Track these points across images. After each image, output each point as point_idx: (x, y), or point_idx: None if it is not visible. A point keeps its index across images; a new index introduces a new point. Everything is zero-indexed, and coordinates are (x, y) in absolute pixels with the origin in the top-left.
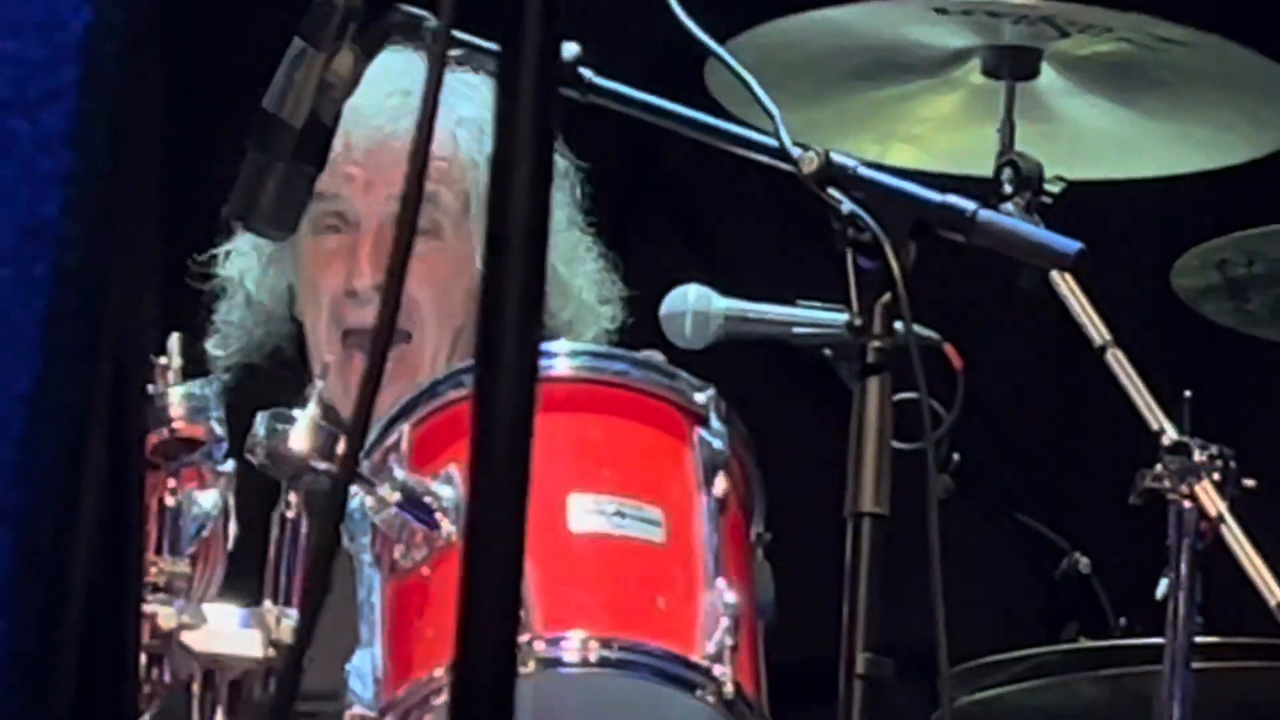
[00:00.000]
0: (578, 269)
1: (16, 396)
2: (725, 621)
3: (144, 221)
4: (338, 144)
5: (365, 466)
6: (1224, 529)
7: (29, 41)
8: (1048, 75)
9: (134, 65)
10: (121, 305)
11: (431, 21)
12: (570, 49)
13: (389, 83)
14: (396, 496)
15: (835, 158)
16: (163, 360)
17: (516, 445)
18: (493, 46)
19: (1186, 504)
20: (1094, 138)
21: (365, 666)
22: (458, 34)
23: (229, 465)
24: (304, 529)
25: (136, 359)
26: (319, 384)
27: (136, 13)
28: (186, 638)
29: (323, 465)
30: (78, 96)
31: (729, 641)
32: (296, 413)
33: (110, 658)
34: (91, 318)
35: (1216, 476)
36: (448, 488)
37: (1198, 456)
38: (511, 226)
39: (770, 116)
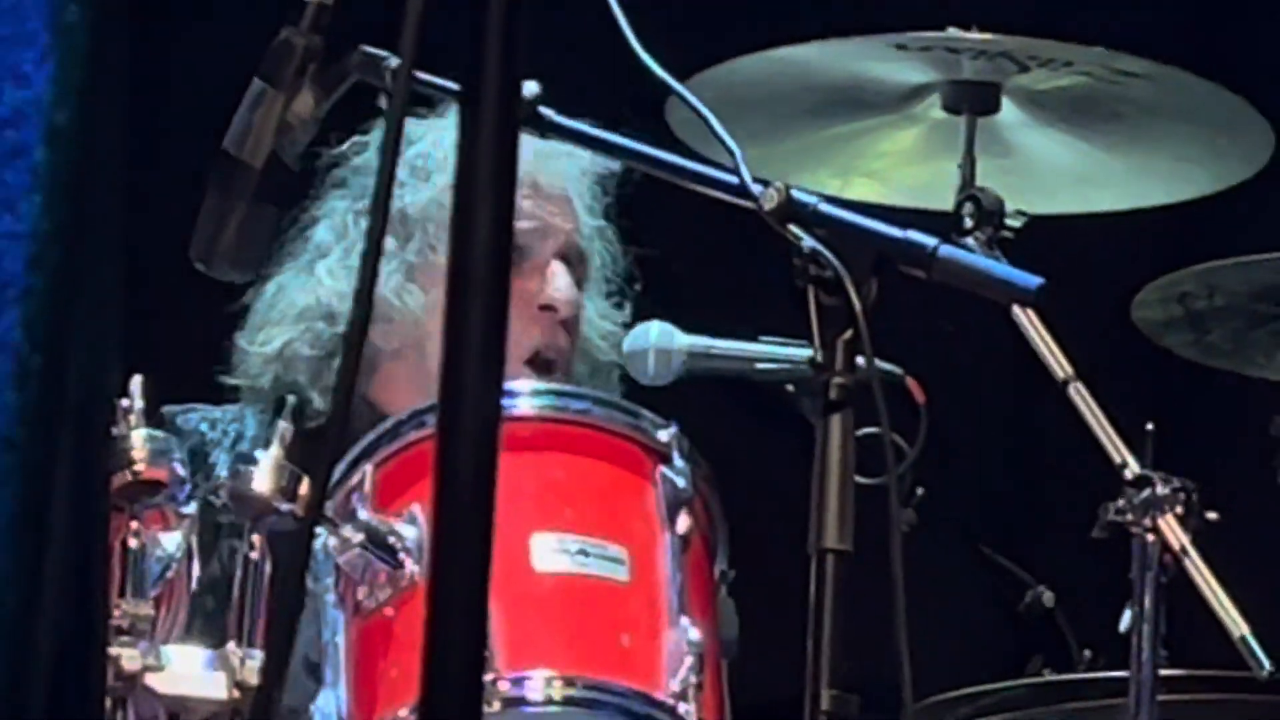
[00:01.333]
0: (606, 335)
1: None
2: (689, 659)
3: (107, 272)
4: None
5: (329, 507)
6: (1187, 562)
7: None
8: (1008, 110)
9: (96, 118)
10: (86, 357)
11: (392, 61)
12: (530, 87)
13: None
14: (360, 537)
15: (796, 195)
16: (125, 402)
17: (480, 485)
18: (454, 86)
19: (1150, 537)
20: (1055, 172)
21: (330, 707)
22: (419, 74)
23: (192, 507)
24: (267, 570)
25: (100, 408)
26: (282, 424)
27: (98, 66)
28: (151, 680)
29: (286, 506)
30: (41, 153)
31: (693, 679)
32: (259, 453)
33: (76, 701)
34: (56, 370)
35: (1179, 509)
36: (411, 528)
37: (1160, 490)
38: (473, 267)
39: (731, 154)
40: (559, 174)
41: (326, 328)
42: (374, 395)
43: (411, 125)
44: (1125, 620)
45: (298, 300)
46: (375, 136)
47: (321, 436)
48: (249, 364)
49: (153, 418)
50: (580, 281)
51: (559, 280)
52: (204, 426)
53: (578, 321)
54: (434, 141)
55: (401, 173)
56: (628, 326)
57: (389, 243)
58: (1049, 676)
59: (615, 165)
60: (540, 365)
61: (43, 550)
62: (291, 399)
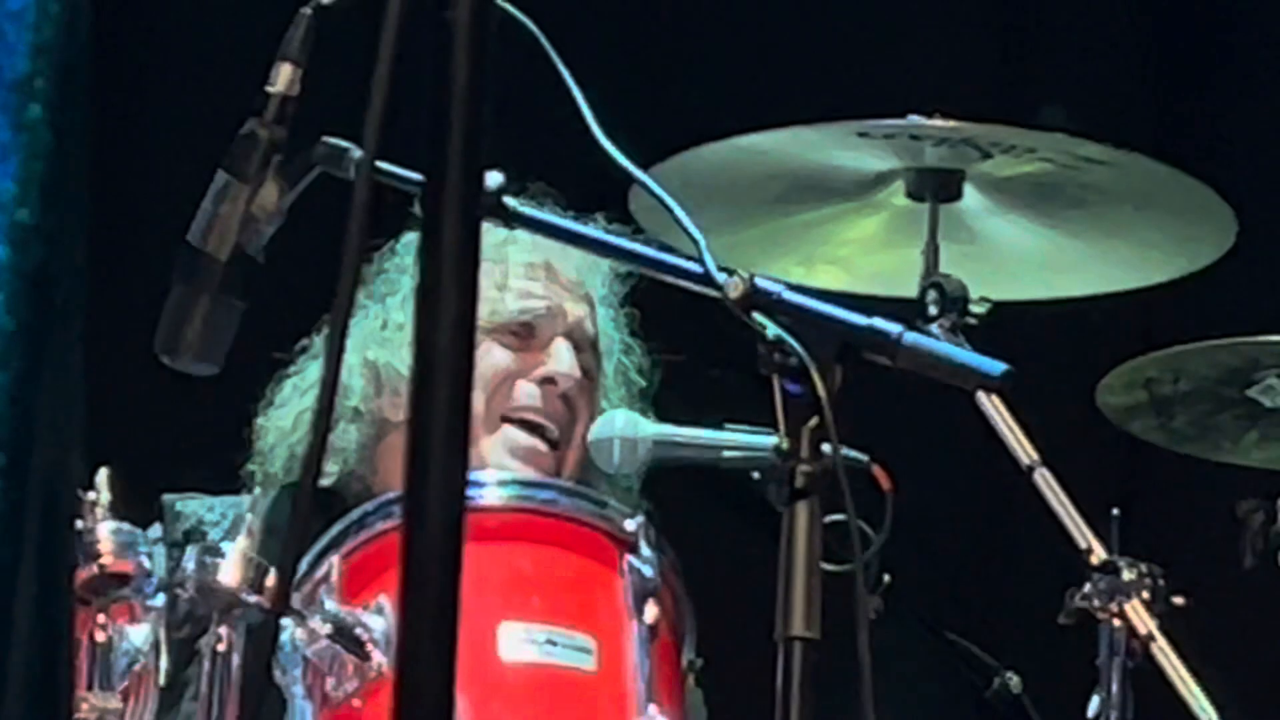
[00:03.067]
0: None
1: None
2: None
3: (71, 368)
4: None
5: (296, 598)
6: (1154, 647)
7: None
8: (971, 196)
9: (59, 215)
10: (50, 455)
11: (356, 153)
12: (494, 178)
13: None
14: (327, 628)
15: (760, 283)
16: (91, 495)
17: (446, 576)
18: (417, 177)
19: (1116, 623)
20: (1018, 258)
21: None
22: (383, 165)
23: (159, 600)
24: (235, 662)
25: (64, 506)
26: (249, 516)
27: (60, 163)
28: None
29: (253, 598)
30: (3, 251)
31: None
32: (225, 545)
33: None
34: (20, 469)
35: (1146, 595)
36: (379, 619)
37: (1126, 575)
38: (438, 358)
39: (695, 242)
40: (573, 262)
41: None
42: (379, 463)
43: None
44: (1093, 706)
45: (311, 377)
46: (402, 242)
47: (330, 496)
48: (267, 439)
49: (152, 506)
50: (589, 371)
51: (561, 355)
52: (202, 511)
53: (584, 404)
54: None
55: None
56: None
57: (401, 317)
58: None
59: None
60: (531, 427)
61: (7, 652)
62: (258, 492)
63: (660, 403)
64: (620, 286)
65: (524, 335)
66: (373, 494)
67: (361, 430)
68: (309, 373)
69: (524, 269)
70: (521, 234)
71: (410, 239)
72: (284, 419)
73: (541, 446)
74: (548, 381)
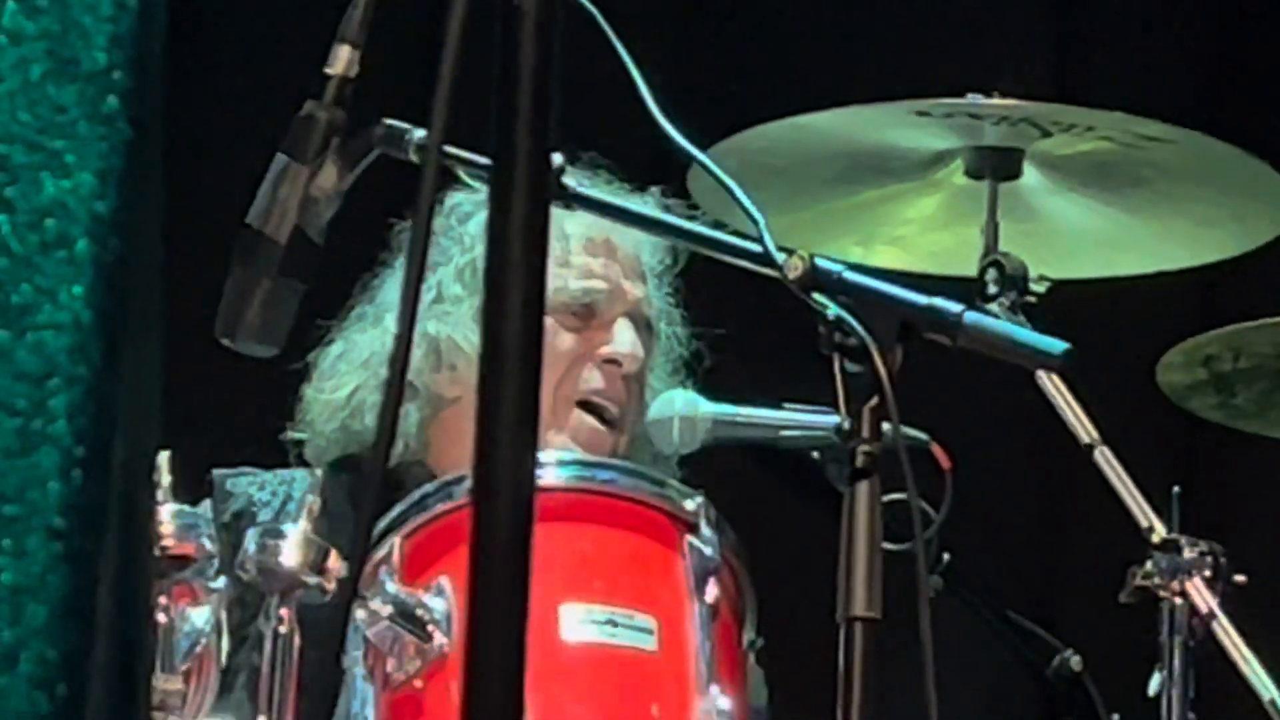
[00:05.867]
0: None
1: (45, 549)
2: None
3: (149, 358)
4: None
5: None
6: (1215, 625)
7: None
8: (1030, 175)
9: (137, 207)
10: (129, 443)
11: (415, 134)
12: (555, 159)
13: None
14: (389, 610)
15: (820, 263)
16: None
17: (515, 556)
18: (483, 160)
19: (1178, 601)
20: (1078, 236)
21: None
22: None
23: (220, 582)
24: (296, 644)
25: (144, 495)
26: (309, 498)
27: (138, 155)
28: None
29: (314, 580)
30: (82, 243)
31: None
32: (287, 527)
33: None
34: (100, 459)
35: (1207, 573)
36: (439, 600)
37: (1188, 553)
38: (507, 340)
39: (754, 222)
40: (631, 236)
41: None
42: (431, 442)
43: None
44: (1154, 684)
45: (365, 350)
46: (448, 205)
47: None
48: (315, 412)
49: (201, 483)
50: (647, 349)
51: (624, 335)
52: (252, 489)
53: (642, 382)
54: None
55: (474, 228)
56: None
57: (457, 289)
58: None
59: None
60: (593, 410)
61: (90, 640)
62: (319, 472)
63: (717, 381)
64: (668, 256)
65: (585, 316)
66: (431, 474)
67: (419, 409)
68: (361, 342)
69: (584, 245)
70: None
71: (456, 201)
72: (336, 391)
73: (603, 429)
74: (611, 363)
